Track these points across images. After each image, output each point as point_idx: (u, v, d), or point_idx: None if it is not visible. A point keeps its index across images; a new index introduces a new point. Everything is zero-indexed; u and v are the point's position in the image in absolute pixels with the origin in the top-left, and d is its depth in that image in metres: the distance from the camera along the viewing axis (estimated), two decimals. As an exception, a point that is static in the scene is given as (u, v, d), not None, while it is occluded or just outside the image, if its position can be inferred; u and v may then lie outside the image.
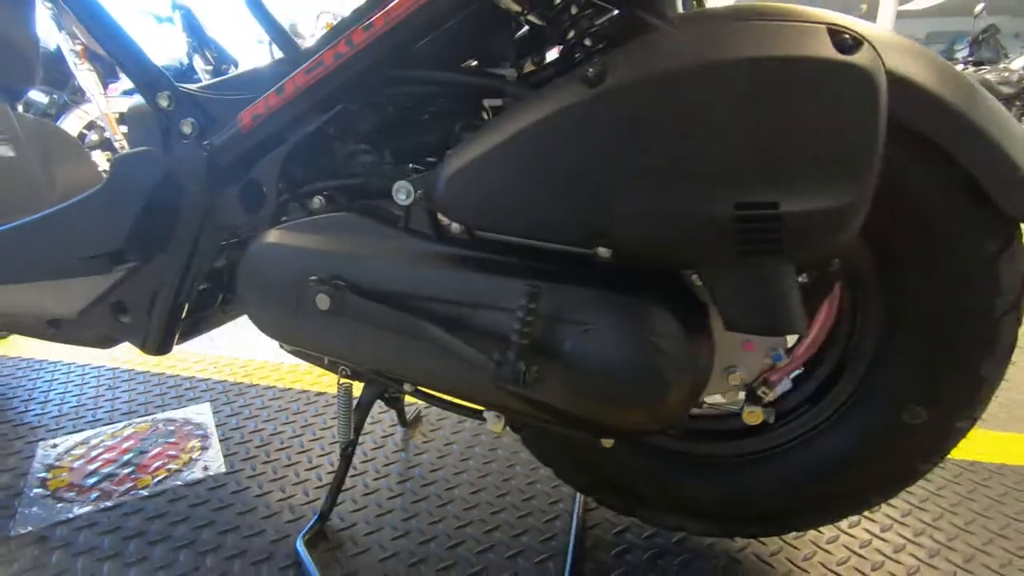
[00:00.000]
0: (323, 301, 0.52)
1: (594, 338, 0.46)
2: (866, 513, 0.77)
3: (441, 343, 0.48)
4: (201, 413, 1.04)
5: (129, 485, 0.84)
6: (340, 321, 0.53)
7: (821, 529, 0.74)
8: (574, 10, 0.51)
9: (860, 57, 0.39)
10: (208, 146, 0.59)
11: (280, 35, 0.62)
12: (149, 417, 1.03)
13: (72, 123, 3.48)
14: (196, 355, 1.31)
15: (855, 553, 0.70)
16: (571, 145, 0.43)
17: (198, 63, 4.31)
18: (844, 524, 0.75)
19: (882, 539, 0.72)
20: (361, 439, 0.95)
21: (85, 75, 3.41)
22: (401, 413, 0.96)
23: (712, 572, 0.68)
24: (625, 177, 0.42)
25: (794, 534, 0.73)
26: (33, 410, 1.07)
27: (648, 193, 0.42)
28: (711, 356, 0.49)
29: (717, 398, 0.60)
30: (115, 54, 0.61)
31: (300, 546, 0.70)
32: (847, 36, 0.40)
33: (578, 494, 0.79)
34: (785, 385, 0.61)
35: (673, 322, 0.45)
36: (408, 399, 1.03)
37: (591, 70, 0.42)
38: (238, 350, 1.33)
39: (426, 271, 0.50)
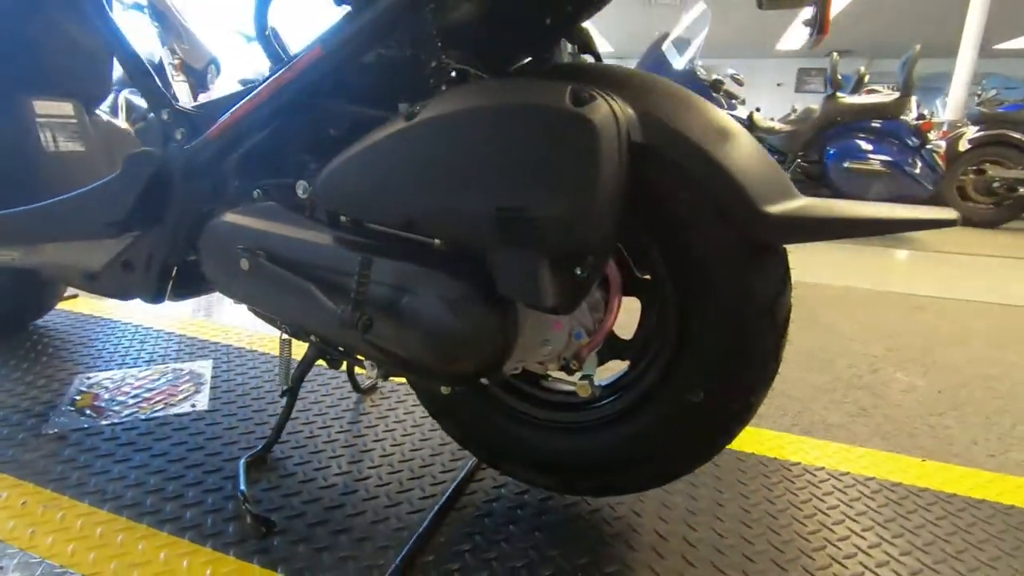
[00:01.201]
0: (244, 264, 0.71)
1: (414, 299, 0.62)
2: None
3: (315, 298, 0.66)
4: (204, 367, 1.27)
5: (132, 410, 1.07)
6: (256, 279, 0.72)
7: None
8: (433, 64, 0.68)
9: (587, 109, 0.54)
10: (190, 149, 0.80)
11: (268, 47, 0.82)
12: (163, 365, 1.27)
13: (165, 127, 3.96)
14: (212, 323, 1.57)
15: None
16: (392, 160, 0.60)
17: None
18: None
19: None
20: (322, 399, 1.15)
21: (180, 85, 3.90)
22: (353, 380, 1.14)
23: (562, 524, 0.81)
24: (423, 185, 0.59)
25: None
26: (81, 352, 1.34)
27: (438, 197, 0.58)
28: (514, 325, 0.64)
29: (564, 374, 0.75)
30: (136, 80, 0.84)
31: (241, 465, 0.89)
32: (585, 94, 0.55)
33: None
34: (598, 367, 0.75)
35: (473, 293, 0.61)
36: (359, 370, 1.22)
37: (410, 109, 0.59)
38: (247, 322, 1.58)
39: (313, 245, 0.69)
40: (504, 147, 0.55)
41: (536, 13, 0.71)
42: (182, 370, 1.25)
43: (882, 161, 3.67)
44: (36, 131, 1.13)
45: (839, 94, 3.94)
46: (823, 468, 1.00)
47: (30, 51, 1.14)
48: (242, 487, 0.82)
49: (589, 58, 0.92)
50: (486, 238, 0.58)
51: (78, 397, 1.11)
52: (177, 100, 0.85)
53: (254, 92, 0.74)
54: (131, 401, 1.10)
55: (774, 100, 12.05)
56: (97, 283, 0.96)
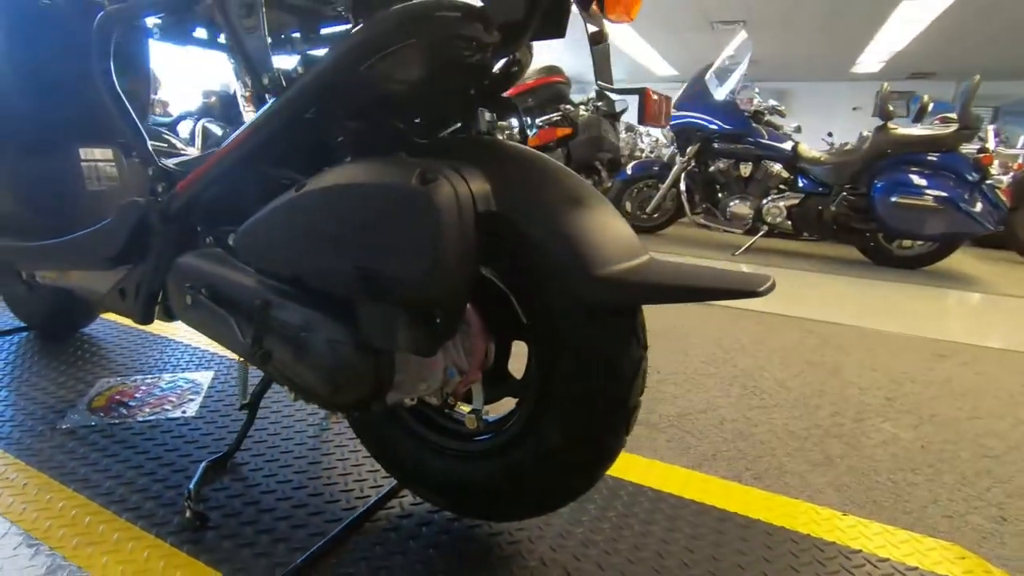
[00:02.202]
0: (188, 299, 0.86)
1: (304, 339, 0.74)
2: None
3: (233, 331, 0.80)
4: (204, 377, 1.45)
5: (133, 412, 1.25)
6: (197, 311, 0.87)
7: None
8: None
9: (429, 187, 0.63)
10: (164, 200, 0.97)
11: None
12: (172, 374, 1.47)
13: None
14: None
15: (574, 556, 0.87)
16: (281, 225, 0.73)
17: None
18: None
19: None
20: (294, 414, 1.29)
21: (249, 115, 4.30)
22: None
23: (456, 544, 0.90)
24: (304, 247, 0.71)
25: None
26: (110, 357, 1.56)
27: (315, 258, 0.70)
28: (388, 364, 0.74)
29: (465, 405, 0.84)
30: (129, 139, 1.02)
31: (201, 467, 1.03)
32: (432, 174, 0.65)
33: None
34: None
35: (350, 337, 0.72)
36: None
37: (300, 181, 0.72)
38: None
39: (235, 287, 0.82)
40: (365, 218, 0.66)
41: (459, 88, 0.83)
42: (186, 379, 1.43)
43: (936, 197, 3.48)
44: (80, 173, 1.36)
45: (891, 124, 3.78)
46: (735, 514, 1.02)
47: (78, 102, 1.37)
48: (191, 486, 0.96)
49: (515, 121, 1.02)
50: (354, 293, 0.69)
51: (95, 398, 1.31)
52: (178, 153, 1.02)
53: (210, 155, 0.89)
54: (134, 404, 1.28)
55: (848, 126, 11.52)
56: (105, 305, 1.14)
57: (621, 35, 9.55)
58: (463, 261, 0.65)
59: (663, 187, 4.41)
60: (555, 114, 4.93)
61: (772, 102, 4.41)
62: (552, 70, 4.92)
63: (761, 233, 4.06)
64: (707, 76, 4.14)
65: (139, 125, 1.02)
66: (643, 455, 1.24)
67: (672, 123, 4.21)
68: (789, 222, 3.95)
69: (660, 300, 0.64)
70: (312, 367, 0.74)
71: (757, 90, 4.96)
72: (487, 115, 0.92)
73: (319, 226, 0.70)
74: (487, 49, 0.74)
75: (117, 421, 1.21)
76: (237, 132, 0.85)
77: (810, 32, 8.38)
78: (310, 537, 0.89)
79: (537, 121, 4.95)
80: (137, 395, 1.33)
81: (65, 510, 0.93)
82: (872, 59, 10.12)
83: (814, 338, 2.20)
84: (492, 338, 0.81)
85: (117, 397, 1.32)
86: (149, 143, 1.01)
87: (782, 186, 4.01)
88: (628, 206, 4.76)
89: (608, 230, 0.70)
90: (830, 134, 8.25)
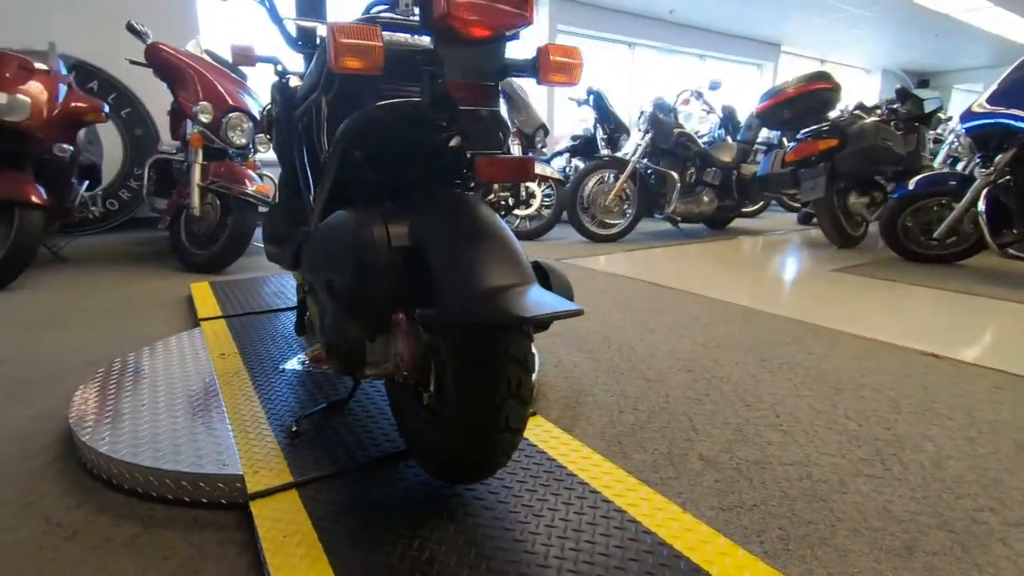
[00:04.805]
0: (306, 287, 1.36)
1: (324, 319, 1.13)
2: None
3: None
4: (378, 351, 2.01)
5: (325, 367, 1.87)
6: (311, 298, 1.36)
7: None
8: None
9: (358, 229, 0.94)
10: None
11: None
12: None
13: (501, 178, 5.23)
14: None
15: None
16: (310, 246, 1.13)
17: (600, 132, 5.63)
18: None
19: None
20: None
21: (515, 147, 5.10)
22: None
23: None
24: (311, 259, 1.09)
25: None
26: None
27: (315, 268, 1.07)
28: (360, 344, 1.05)
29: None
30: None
31: (324, 404, 1.53)
32: (364, 222, 0.95)
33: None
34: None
35: (333, 323, 1.07)
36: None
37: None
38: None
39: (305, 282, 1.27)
40: (332, 248, 1.01)
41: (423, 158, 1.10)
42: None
43: None
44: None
45: None
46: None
47: None
48: (305, 413, 1.45)
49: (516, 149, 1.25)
50: (328, 293, 1.04)
51: (312, 351, 1.98)
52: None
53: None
54: (328, 361, 1.90)
55: None
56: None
57: (968, 10, 7.65)
58: (376, 278, 0.94)
59: (958, 207, 3.51)
60: (823, 124, 4.41)
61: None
62: (818, 76, 4.40)
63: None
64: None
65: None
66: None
67: (972, 124, 3.34)
68: None
69: (503, 324, 0.81)
70: (323, 341, 1.12)
71: None
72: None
73: (319, 248, 1.08)
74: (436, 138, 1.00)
75: (314, 371, 1.83)
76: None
77: None
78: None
79: (799, 134, 4.51)
80: (335, 356, 1.96)
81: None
82: None
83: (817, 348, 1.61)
84: (422, 337, 1.06)
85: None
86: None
87: None
88: (906, 230, 3.90)
89: (491, 259, 0.88)
90: None
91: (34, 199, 3.06)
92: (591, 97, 5.55)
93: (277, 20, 1.47)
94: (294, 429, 1.38)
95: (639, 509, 1.10)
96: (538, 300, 0.81)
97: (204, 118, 3.52)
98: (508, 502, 1.12)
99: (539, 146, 5.18)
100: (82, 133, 3.65)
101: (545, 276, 1.04)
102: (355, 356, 1.05)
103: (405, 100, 1.00)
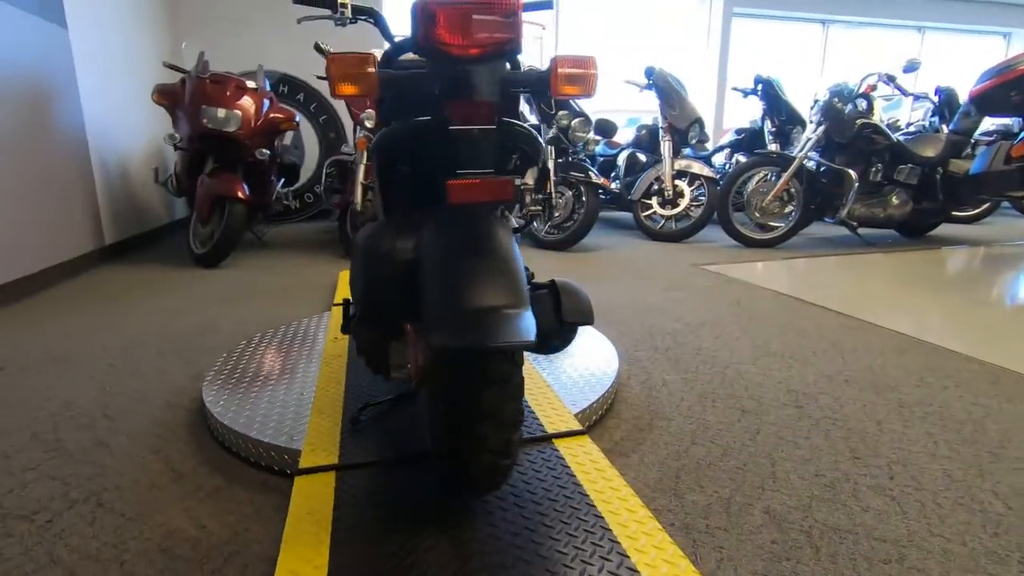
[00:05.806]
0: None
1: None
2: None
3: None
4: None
5: (413, 358, 2.00)
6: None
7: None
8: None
9: (370, 243, 1.00)
10: None
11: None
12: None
13: (648, 175, 4.96)
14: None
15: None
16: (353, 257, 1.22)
17: (768, 125, 5.12)
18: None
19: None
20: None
21: (665, 144, 4.84)
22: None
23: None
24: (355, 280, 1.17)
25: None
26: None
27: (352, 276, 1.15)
28: (384, 350, 1.12)
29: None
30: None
31: (392, 396, 1.65)
32: (376, 237, 1.01)
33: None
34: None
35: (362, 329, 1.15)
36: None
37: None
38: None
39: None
40: (357, 260, 1.08)
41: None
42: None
43: None
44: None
45: None
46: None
47: None
48: (369, 401, 1.58)
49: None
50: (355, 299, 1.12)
51: (409, 345, 2.13)
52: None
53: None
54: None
55: None
56: None
57: None
58: (380, 288, 0.99)
59: None
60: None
61: None
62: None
63: None
64: None
65: None
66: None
67: None
68: None
69: (477, 345, 0.81)
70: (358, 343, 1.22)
71: None
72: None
73: (354, 260, 1.16)
74: None
75: (403, 361, 1.98)
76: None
77: None
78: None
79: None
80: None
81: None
82: None
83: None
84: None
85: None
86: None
87: None
88: None
89: (493, 277, 0.87)
90: None
91: (240, 195, 3.75)
92: (759, 86, 5.02)
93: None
94: (357, 416, 1.51)
95: (655, 571, 0.99)
96: (509, 326, 0.78)
97: (369, 124, 3.95)
98: (514, 522, 1.11)
99: (693, 141, 4.85)
100: (287, 138, 4.35)
101: (556, 297, 1.00)
102: (377, 359, 1.13)
103: (416, 119, 1.04)
